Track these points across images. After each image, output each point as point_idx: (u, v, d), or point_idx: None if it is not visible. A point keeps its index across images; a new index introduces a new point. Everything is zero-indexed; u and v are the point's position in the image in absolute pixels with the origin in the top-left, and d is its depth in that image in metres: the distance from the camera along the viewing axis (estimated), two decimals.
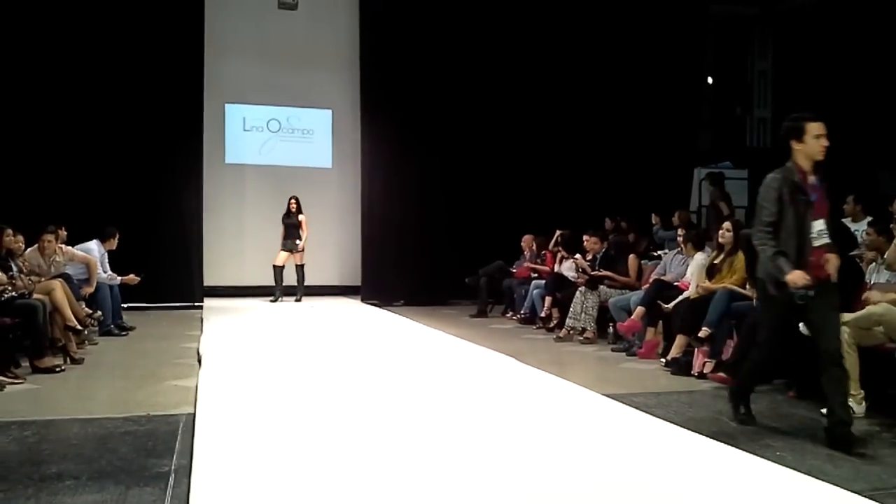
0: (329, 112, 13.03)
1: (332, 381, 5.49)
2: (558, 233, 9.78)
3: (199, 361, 6.23)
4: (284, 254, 11.38)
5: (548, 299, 8.80)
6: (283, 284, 11.45)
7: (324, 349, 7.15)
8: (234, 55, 12.23)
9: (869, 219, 6.61)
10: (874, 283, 5.41)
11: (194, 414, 4.35)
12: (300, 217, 11.42)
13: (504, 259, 10.72)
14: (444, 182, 11.97)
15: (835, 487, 3.13)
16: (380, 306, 11.19)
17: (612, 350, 7.29)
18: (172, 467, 3.40)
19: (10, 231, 6.69)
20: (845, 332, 4.46)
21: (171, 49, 10.76)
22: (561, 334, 7.99)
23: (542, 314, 8.89)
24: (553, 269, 9.58)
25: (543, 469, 3.39)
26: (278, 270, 11.39)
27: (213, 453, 3.56)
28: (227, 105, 12.50)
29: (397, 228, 11.95)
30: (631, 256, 8.13)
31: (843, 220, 6.74)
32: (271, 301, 11.27)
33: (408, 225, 11.97)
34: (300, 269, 11.45)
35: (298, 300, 11.35)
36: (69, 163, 10.28)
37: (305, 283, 11.65)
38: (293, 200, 11.48)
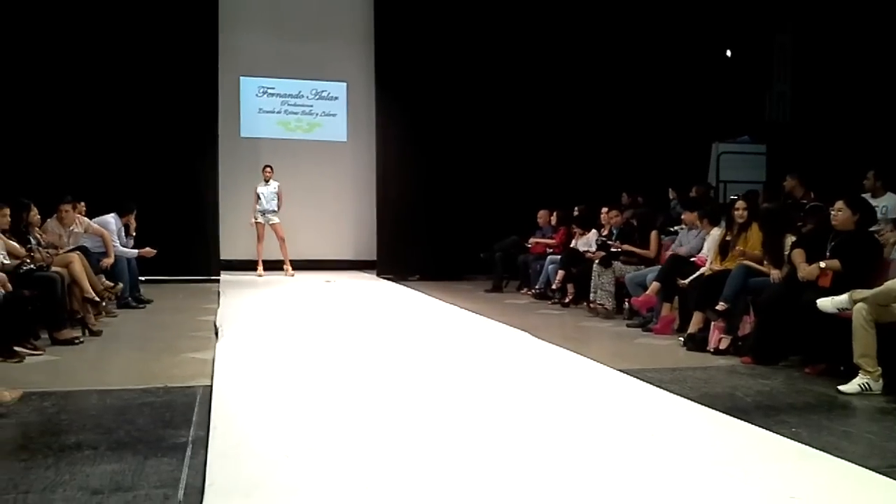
0: (344, 85, 12.99)
1: (348, 355, 5.51)
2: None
3: (216, 334, 6.27)
4: None
5: (560, 273, 8.81)
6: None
7: (340, 323, 7.17)
8: (249, 28, 12.21)
9: (891, 194, 6.53)
10: (894, 259, 5.36)
11: (211, 386, 4.37)
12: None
13: (519, 234, 10.70)
14: (460, 156, 11.93)
15: (850, 464, 3.12)
16: (395, 281, 11.21)
17: (628, 326, 7.27)
18: (189, 438, 3.43)
19: (35, 209, 6.78)
20: (863, 308, 4.44)
21: (186, 22, 10.77)
22: (592, 306, 7.98)
23: (554, 286, 8.91)
24: (561, 241, 9.60)
25: (557, 443, 3.40)
26: None
27: (229, 425, 3.58)
28: (242, 78, 12.49)
29: (412, 203, 11.95)
30: (654, 232, 8.09)
31: (863, 195, 6.66)
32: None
33: (423, 199, 11.97)
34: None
35: None
36: (86, 138, 10.35)
37: (321, 258, 12.02)
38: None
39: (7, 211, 6.11)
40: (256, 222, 11.51)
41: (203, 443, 3.32)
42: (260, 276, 11.38)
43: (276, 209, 11.51)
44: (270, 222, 11.51)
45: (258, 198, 11.45)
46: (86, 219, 8.01)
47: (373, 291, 10.09)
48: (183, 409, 3.94)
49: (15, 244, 6.11)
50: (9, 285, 5.34)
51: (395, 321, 7.50)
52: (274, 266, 11.65)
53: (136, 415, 3.85)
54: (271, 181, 11.51)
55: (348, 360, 5.29)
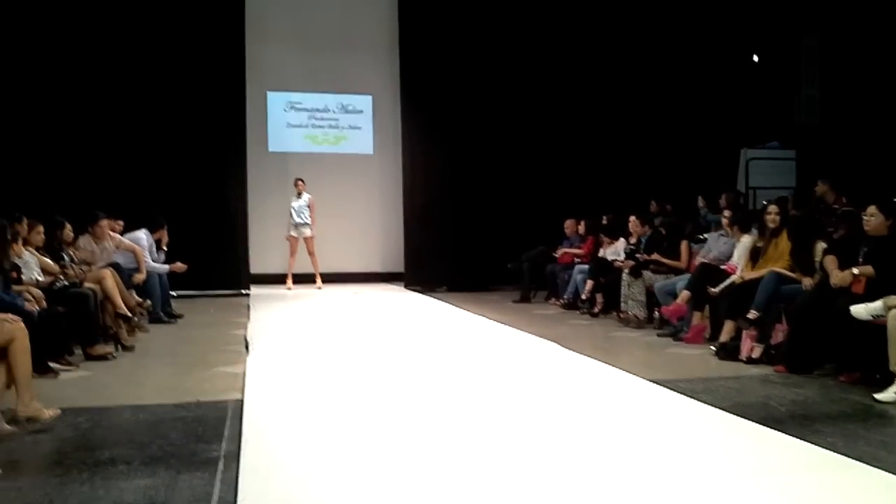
0: (369, 98, 13.06)
1: (377, 367, 5.53)
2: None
3: (247, 348, 6.32)
4: None
5: (589, 283, 8.76)
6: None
7: (369, 336, 7.19)
8: (275, 42, 12.32)
9: None
10: None
11: (242, 400, 4.40)
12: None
13: (546, 244, 10.66)
14: (486, 166, 11.94)
15: (888, 474, 3.07)
16: (423, 292, 11.21)
17: (658, 335, 7.21)
18: (222, 452, 3.46)
19: (68, 226, 6.88)
20: None
21: (213, 37, 10.90)
22: (622, 315, 7.93)
23: (584, 296, 8.86)
24: (589, 251, 9.55)
25: (590, 454, 3.38)
26: None
27: (261, 438, 3.61)
28: (269, 93, 12.61)
29: (439, 214, 11.96)
30: (683, 242, 8.01)
31: None
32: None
33: (450, 211, 11.97)
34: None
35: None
36: (116, 154, 10.49)
37: (349, 270, 12.14)
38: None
39: (41, 228, 6.21)
40: (290, 236, 11.60)
41: (235, 457, 3.34)
42: (289, 289, 11.45)
43: (307, 222, 11.55)
44: (304, 235, 11.58)
45: (292, 212, 11.57)
46: (118, 235, 8.11)
47: (401, 303, 10.10)
48: (215, 424, 3.97)
49: (49, 261, 6.21)
50: (43, 302, 5.43)
51: (424, 333, 7.50)
52: (303, 279, 11.72)
53: (169, 429, 3.89)
54: (303, 194, 11.59)
55: (378, 373, 5.30)
